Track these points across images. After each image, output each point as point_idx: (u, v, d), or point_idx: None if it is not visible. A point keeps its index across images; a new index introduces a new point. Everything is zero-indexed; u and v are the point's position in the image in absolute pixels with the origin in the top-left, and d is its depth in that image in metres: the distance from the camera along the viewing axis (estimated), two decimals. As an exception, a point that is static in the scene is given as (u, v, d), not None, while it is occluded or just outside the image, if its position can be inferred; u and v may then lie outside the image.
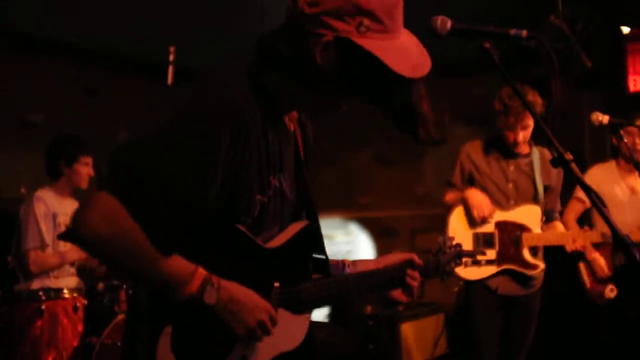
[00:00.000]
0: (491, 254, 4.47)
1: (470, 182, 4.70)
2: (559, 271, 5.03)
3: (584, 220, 5.28)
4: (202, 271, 1.89)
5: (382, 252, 8.89)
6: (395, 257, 2.53)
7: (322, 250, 2.29)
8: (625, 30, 7.36)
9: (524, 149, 4.61)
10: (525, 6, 5.90)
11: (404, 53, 1.96)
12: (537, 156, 4.60)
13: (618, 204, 5.14)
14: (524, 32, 2.20)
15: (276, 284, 2.10)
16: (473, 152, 4.70)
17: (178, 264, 1.87)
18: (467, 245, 4.50)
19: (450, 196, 4.74)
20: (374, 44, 1.90)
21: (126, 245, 1.79)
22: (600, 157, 5.72)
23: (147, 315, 1.93)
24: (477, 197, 4.50)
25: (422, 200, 5.17)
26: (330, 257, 2.33)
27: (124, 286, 5.02)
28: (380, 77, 1.93)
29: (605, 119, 4.41)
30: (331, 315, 6.35)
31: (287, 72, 2.01)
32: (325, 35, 1.91)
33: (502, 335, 4.54)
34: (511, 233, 4.49)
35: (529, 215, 4.48)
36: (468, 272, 4.49)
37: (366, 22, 1.89)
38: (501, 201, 4.56)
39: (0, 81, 7.71)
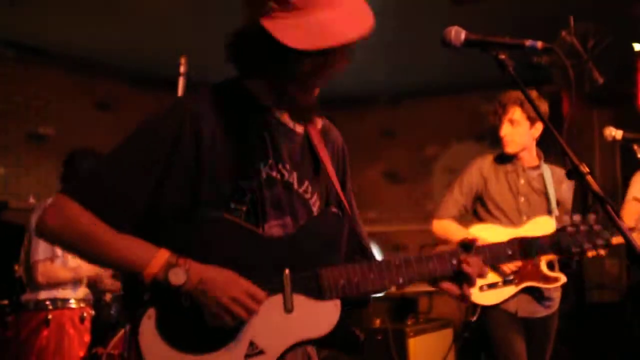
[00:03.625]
0: (511, 274, 4.39)
1: (475, 200, 4.61)
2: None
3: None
4: (164, 253, 1.96)
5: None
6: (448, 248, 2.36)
7: (354, 239, 2.34)
8: (637, 47, 7.34)
9: (531, 161, 4.56)
10: (537, 22, 5.89)
11: (305, 27, 1.97)
12: (548, 170, 4.55)
13: None
14: (540, 43, 2.18)
15: (286, 270, 2.07)
16: (485, 166, 4.62)
17: (139, 247, 1.99)
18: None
19: (456, 234, 4.51)
20: (275, 23, 1.97)
21: (75, 234, 2.00)
22: (609, 174, 5.70)
23: (128, 302, 2.06)
24: None
25: (431, 215, 5.17)
26: None
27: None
28: (278, 52, 1.99)
29: (618, 134, 4.39)
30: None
31: (242, 68, 2.15)
32: (251, 26, 2.03)
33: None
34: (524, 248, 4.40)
35: (542, 227, 4.28)
36: (485, 297, 4.39)
37: (272, 4, 1.97)
38: (513, 217, 4.48)
39: (11, 93, 7.76)
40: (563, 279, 4.42)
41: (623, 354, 5.10)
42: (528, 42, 2.18)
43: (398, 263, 2.21)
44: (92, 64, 8.26)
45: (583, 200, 4.68)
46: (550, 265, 4.46)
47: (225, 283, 1.97)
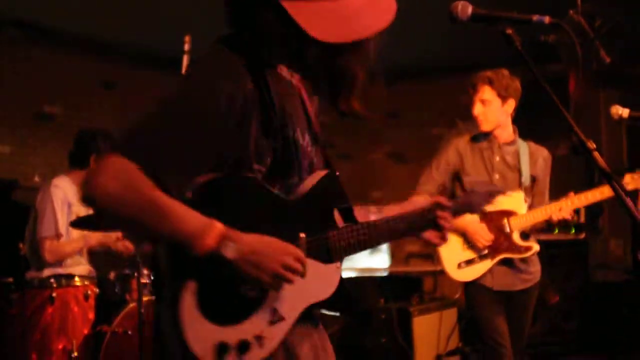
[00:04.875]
0: (485, 249, 4.49)
1: (453, 179, 4.69)
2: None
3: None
4: (219, 225, 1.85)
5: (394, 246, 8.94)
6: (422, 201, 2.54)
7: (345, 199, 2.27)
8: (646, 26, 7.30)
9: (506, 137, 4.63)
10: (545, 2, 5.85)
11: (330, 15, 1.92)
12: (525, 147, 4.63)
13: None
14: (547, 18, 2.16)
15: (302, 234, 2.07)
16: (461, 145, 4.71)
17: (193, 217, 1.85)
18: (459, 250, 4.55)
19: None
20: (295, 5, 1.90)
21: (138, 201, 1.79)
22: (615, 153, 5.67)
23: (168, 275, 1.91)
24: (474, 226, 4.50)
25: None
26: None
27: (136, 274, 4.99)
28: (297, 37, 1.92)
29: (625, 112, 4.34)
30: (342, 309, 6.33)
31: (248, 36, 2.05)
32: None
33: None
34: (498, 221, 4.48)
35: (512, 200, 4.48)
36: (464, 274, 4.54)
37: None
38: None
39: (17, 73, 7.76)
40: (535, 247, 4.50)
41: (627, 333, 5.10)
42: (535, 17, 2.17)
43: (384, 221, 2.33)
44: (99, 43, 8.24)
45: (590, 179, 4.67)
46: (525, 236, 4.51)
47: (275, 251, 1.94)
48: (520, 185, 4.54)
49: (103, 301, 5.19)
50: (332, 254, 2.15)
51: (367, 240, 2.26)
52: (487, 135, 4.65)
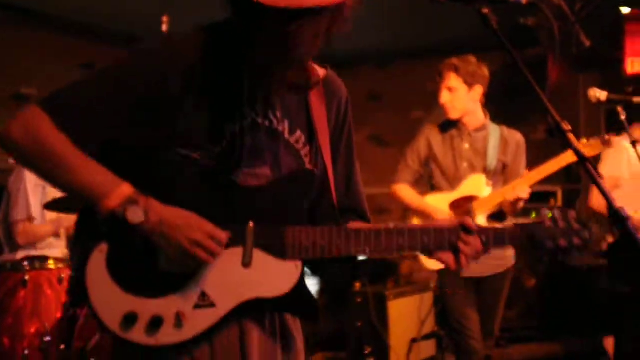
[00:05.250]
0: None
1: (425, 166, 4.75)
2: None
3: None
4: (126, 187, 1.87)
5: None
6: (444, 221, 2.40)
7: (325, 200, 2.19)
8: (625, 10, 7.29)
9: (475, 123, 4.63)
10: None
11: None
12: (496, 132, 4.62)
13: None
14: (524, -1, 2.12)
15: (250, 223, 1.99)
16: (431, 135, 4.73)
17: (103, 177, 1.88)
18: None
19: (408, 198, 4.75)
20: None
21: (45, 153, 1.87)
22: (594, 136, 5.65)
23: (83, 233, 1.94)
24: (440, 213, 4.54)
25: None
26: None
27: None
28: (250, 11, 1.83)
29: (603, 95, 4.33)
30: (320, 292, 6.31)
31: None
32: None
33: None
34: (464, 207, 4.50)
35: (474, 184, 4.51)
36: (433, 262, 4.48)
37: None
38: (455, 182, 4.59)
39: (-5, 54, 7.66)
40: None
41: (600, 316, 5.12)
42: (512, -3, 2.13)
43: (373, 232, 2.10)
44: (76, 24, 8.14)
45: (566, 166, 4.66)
46: (500, 219, 4.51)
47: (187, 225, 1.89)
48: (484, 169, 4.54)
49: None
50: (287, 251, 2.03)
51: (326, 246, 2.05)
52: (456, 123, 4.65)
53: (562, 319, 6.39)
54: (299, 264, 2.04)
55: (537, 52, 7.26)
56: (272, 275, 2.01)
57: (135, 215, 1.84)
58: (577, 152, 1.93)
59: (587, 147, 4.31)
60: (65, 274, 5.04)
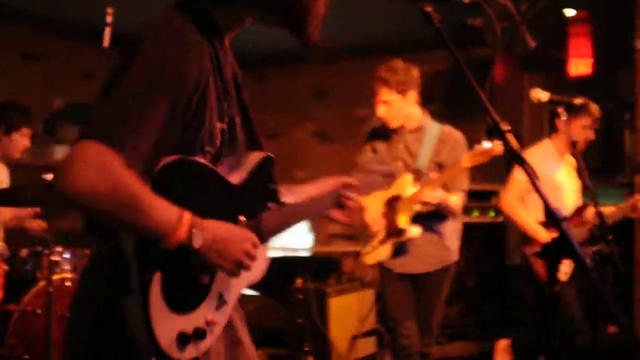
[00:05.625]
0: (380, 233, 4.59)
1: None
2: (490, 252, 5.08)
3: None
4: (187, 215, 1.79)
5: (318, 227, 8.93)
6: (330, 181, 2.59)
7: (274, 180, 2.26)
8: (569, 12, 7.39)
9: (412, 124, 4.65)
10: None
11: None
12: (434, 132, 4.63)
13: (559, 187, 5.16)
14: (466, -3, 2.12)
15: (242, 218, 2.06)
16: (374, 135, 4.78)
17: (168, 210, 1.77)
18: (368, 235, 4.67)
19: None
20: None
21: (124, 197, 1.69)
22: (538, 138, 5.74)
23: (136, 266, 1.79)
24: (371, 213, 4.57)
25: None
26: None
27: (47, 252, 4.82)
28: None
29: (544, 96, 4.37)
30: (261, 288, 6.29)
31: None
32: None
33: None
34: (393, 206, 4.55)
35: (401, 184, 4.54)
36: (369, 258, 4.65)
37: None
38: (389, 181, 4.62)
39: None
40: (412, 232, 4.48)
41: (540, 312, 5.19)
42: (455, -4, 2.13)
43: (303, 203, 2.42)
44: (18, 12, 7.99)
45: (507, 165, 4.70)
46: (416, 219, 4.51)
47: (235, 237, 1.93)
48: (415, 169, 4.56)
49: (12, 279, 5.03)
50: (264, 236, 2.14)
51: (291, 221, 2.31)
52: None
53: (502, 318, 6.46)
54: (266, 245, 2.21)
55: (484, 52, 7.31)
56: (257, 261, 2.08)
57: (198, 239, 1.81)
58: (514, 153, 1.93)
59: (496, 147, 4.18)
60: (1, 268, 4.95)
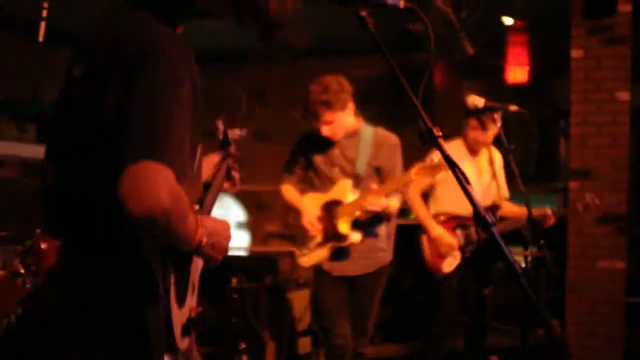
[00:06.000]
0: (318, 236, 4.58)
1: (303, 167, 4.79)
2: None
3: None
4: (197, 215, 1.91)
5: (255, 226, 8.93)
6: (214, 158, 2.79)
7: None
8: (508, 21, 7.50)
9: (347, 129, 4.59)
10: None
11: None
12: (369, 136, 4.61)
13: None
14: (402, 3, 2.16)
15: (196, 206, 2.15)
16: (309, 139, 4.71)
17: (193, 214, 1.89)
18: (305, 238, 4.67)
19: (288, 197, 4.85)
20: None
21: (184, 212, 1.76)
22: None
23: (160, 271, 1.82)
24: (308, 216, 4.60)
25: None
26: None
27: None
28: None
29: (480, 102, 4.43)
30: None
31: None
32: None
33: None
34: (330, 211, 4.55)
35: (340, 189, 4.54)
36: (305, 260, 4.66)
37: None
38: (328, 184, 4.62)
39: None
40: (354, 237, 4.50)
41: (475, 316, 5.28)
42: (390, 1, 2.15)
43: (214, 182, 2.57)
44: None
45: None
46: (355, 225, 4.53)
47: (222, 228, 2.05)
48: (354, 175, 4.56)
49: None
50: None
51: (214, 199, 2.47)
52: None
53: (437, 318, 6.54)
54: None
55: (426, 58, 7.38)
56: None
57: (204, 237, 1.93)
58: (446, 158, 1.96)
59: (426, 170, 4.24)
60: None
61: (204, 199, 2.31)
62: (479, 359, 5.20)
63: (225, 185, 2.78)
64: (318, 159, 4.66)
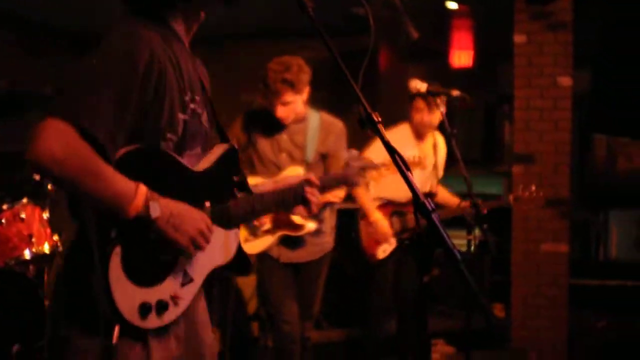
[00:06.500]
0: (267, 223, 4.49)
1: (244, 151, 4.57)
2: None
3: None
4: (143, 187, 1.95)
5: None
6: (293, 179, 2.77)
7: (240, 170, 2.44)
8: (452, 5, 7.52)
9: (296, 115, 4.50)
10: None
11: None
12: (315, 122, 4.56)
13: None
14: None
15: (207, 203, 2.22)
16: (251, 121, 4.59)
17: (124, 181, 1.93)
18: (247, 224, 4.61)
19: None
20: None
21: (84, 164, 1.86)
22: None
23: (97, 241, 1.94)
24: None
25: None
26: None
27: None
28: None
29: (423, 87, 4.43)
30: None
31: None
32: None
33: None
34: None
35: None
36: (249, 247, 4.51)
37: None
38: (273, 171, 4.51)
39: None
40: (309, 226, 4.50)
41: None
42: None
43: (268, 194, 2.57)
44: None
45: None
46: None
47: (192, 217, 2.08)
48: (303, 161, 4.51)
49: None
50: (232, 222, 2.35)
51: (260, 210, 2.52)
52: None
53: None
54: (237, 230, 2.41)
55: (370, 42, 7.37)
56: (224, 245, 2.34)
57: (155, 211, 1.96)
58: (385, 144, 1.95)
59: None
60: None
61: (232, 201, 2.36)
62: (422, 344, 5.23)
63: (299, 209, 2.73)
64: (263, 143, 4.53)
